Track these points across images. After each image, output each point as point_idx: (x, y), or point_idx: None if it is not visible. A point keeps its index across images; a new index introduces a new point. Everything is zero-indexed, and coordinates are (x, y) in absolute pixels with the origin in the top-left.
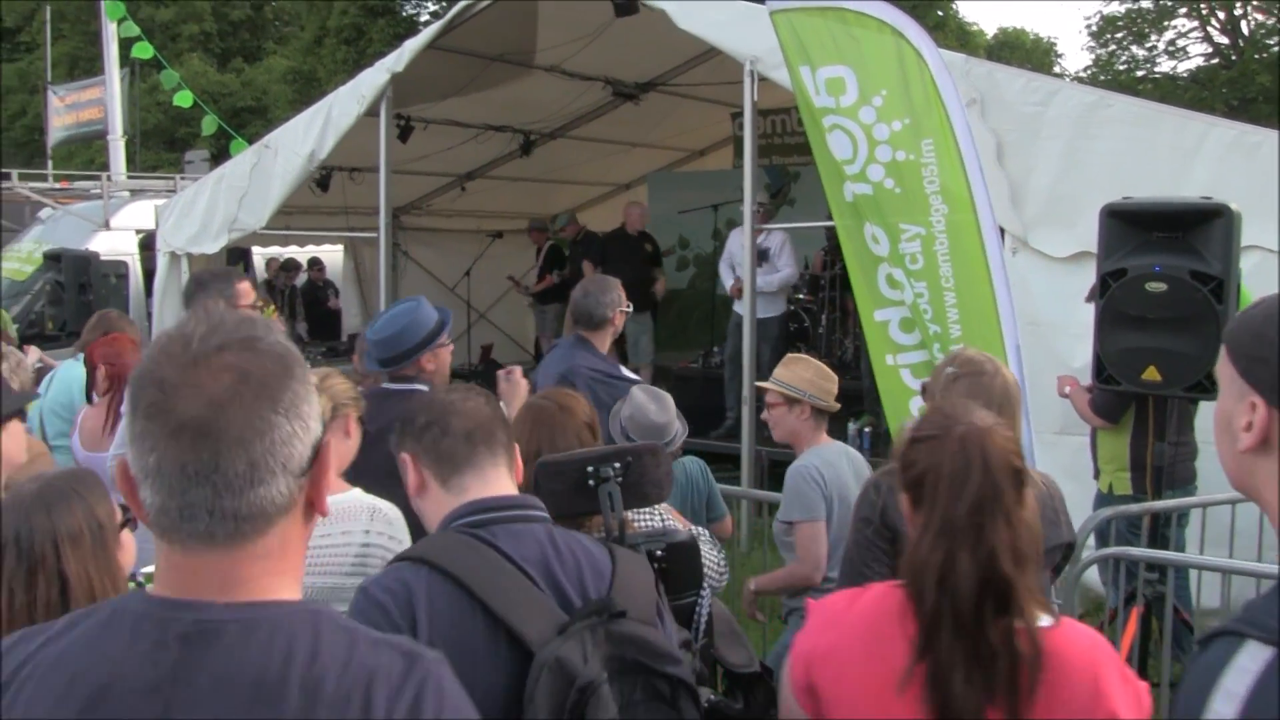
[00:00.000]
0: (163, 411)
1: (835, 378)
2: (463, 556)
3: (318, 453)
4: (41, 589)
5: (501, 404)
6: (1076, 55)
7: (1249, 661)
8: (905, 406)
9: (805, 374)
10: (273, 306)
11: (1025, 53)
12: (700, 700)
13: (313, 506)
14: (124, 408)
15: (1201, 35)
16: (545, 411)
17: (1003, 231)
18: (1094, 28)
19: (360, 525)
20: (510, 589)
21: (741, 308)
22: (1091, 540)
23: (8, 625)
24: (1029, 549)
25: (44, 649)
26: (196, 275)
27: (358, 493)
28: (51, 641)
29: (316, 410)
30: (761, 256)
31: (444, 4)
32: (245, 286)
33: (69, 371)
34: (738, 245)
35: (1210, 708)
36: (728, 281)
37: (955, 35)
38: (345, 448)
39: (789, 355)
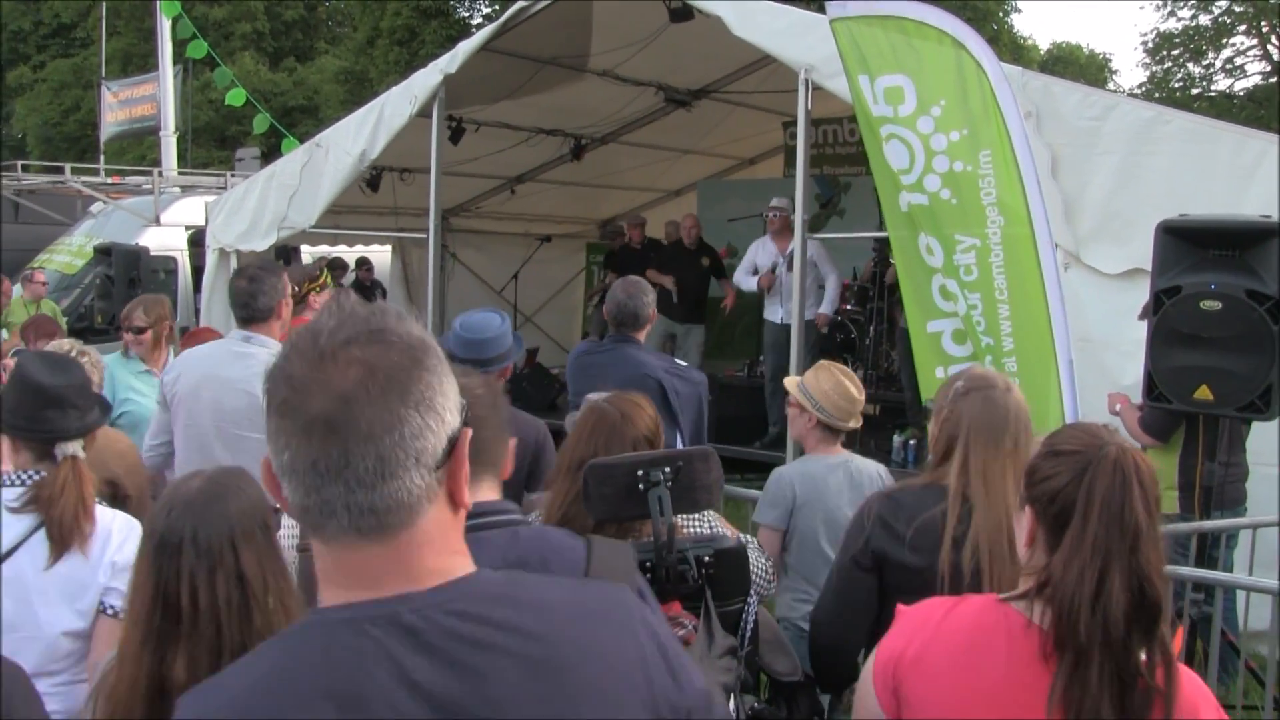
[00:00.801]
0: (293, 409)
1: (858, 399)
2: None
3: (454, 445)
4: (222, 588)
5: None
6: (1131, 72)
7: None
8: None
9: (824, 385)
10: (325, 275)
11: (1079, 68)
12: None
13: (454, 499)
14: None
15: (1261, 53)
16: (607, 418)
17: (1055, 247)
18: (1150, 44)
19: None
20: None
21: (772, 315)
22: None
23: (190, 625)
24: (1167, 578)
25: (242, 696)
26: (242, 269)
27: None
28: (246, 687)
29: (454, 402)
30: (789, 263)
31: (498, 7)
32: (286, 280)
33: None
34: (760, 254)
35: None
36: (747, 287)
37: (1009, 49)
38: None
39: (823, 361)
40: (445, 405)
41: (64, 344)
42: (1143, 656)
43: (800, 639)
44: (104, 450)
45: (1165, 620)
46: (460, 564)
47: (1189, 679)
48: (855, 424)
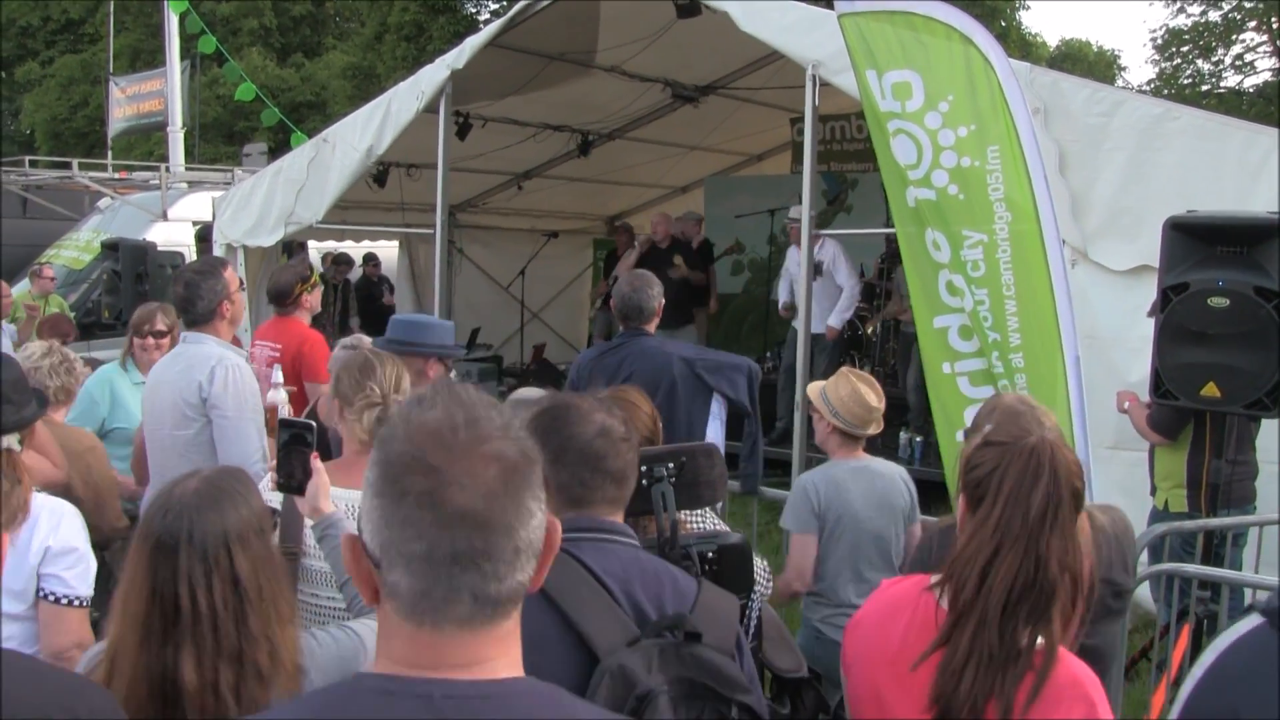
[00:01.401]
0: (436, 501)
1: (876, 406)
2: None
3: (548, 538)
4: (219, 591)
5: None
6: (1140, 69)
7: (1243, 626)
8: (960, 416)
9: (841, 392)
10: (316, 276)
11: (1088, 65)
12: None
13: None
14: (376, 488)
15: (1270, 49)
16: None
17: (1063, 243)
18: (1159, 41)
19: None
20: (585, 597)
21: (797, 320)
22: (1145, 556)
23: (190, 626)
24: (1074, 567)
25: None
26: (179, 274)
27: None
28: None
29: (542, 496)
30: (815, 270)
31: (505, 2)
32: (230, 274)
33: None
34: (792, 263)
35: (1200, 658)
36: (784, 298)
37: (1018, 45)
38: None
39: (845, 368)
40: (542, 498)
41: (33, 347)
42: (1026, 638)
43: (816, 640)
44: (64, 447)
45: (1059, 606)
46: (508, 666)
47: (1082, 672)
48: (874, 430)
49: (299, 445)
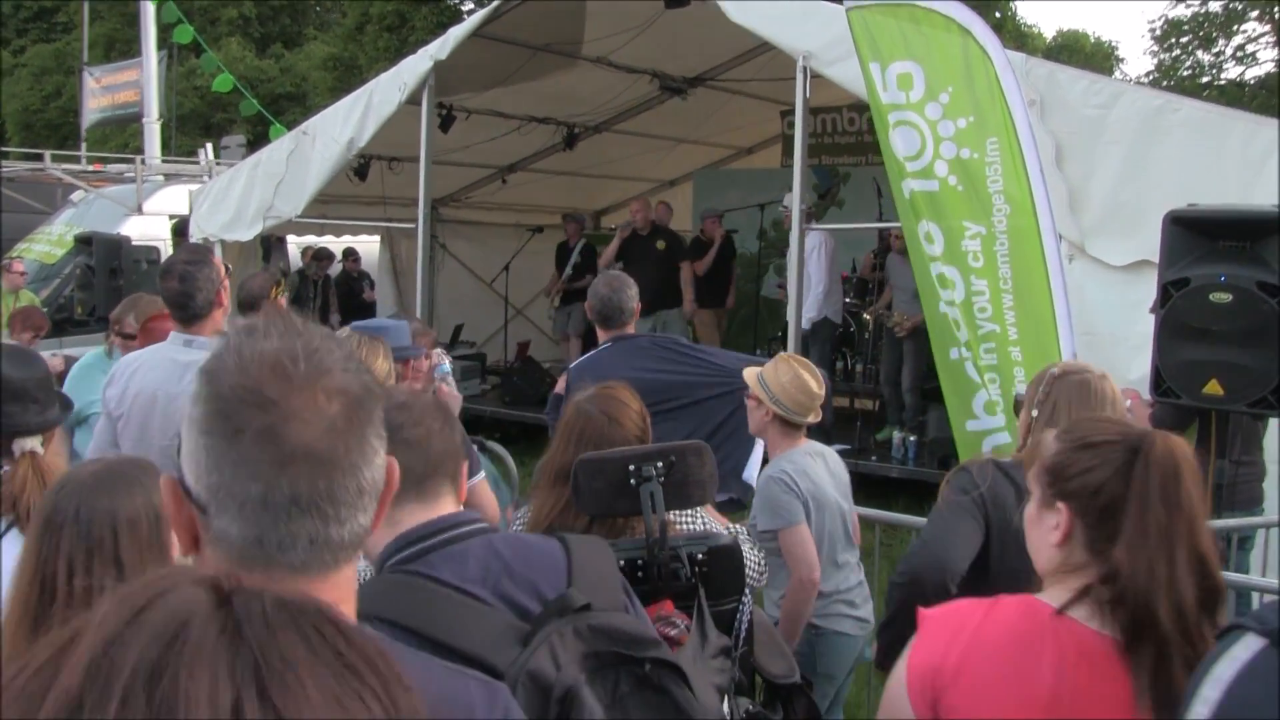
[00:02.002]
0: (276, 438)
1: (818, 394)
2: (400, 599)
3: (387, 479)
4: (97, 573)
5: None
6: (1138, 60)
7: (1242, 651)
8: (969, 404)
9: (782, 378)
10: (281, 283)
11: (1085, 56)
12: (688, 677)
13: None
14: (203, 426)
15: (1273, 40)
16: (592, 423)
17: (1059, 238)
18: (1158, 32)
19: None
20: (458, 616)
21: (789, 312)
22: None
23: (64, 607)
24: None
25: None
26: (168, 267)
27: None
28: None
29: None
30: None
31: None
32: (218, 260)
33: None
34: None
35: (1199, 693)
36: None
37: (1013, 37)
38: None
39: (781, 354)
40: (385, 437)
41: None
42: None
43: (809, 635)
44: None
45: (1224, 604)
46: (350, 611)
47: None
48: (814, 418)
49: None
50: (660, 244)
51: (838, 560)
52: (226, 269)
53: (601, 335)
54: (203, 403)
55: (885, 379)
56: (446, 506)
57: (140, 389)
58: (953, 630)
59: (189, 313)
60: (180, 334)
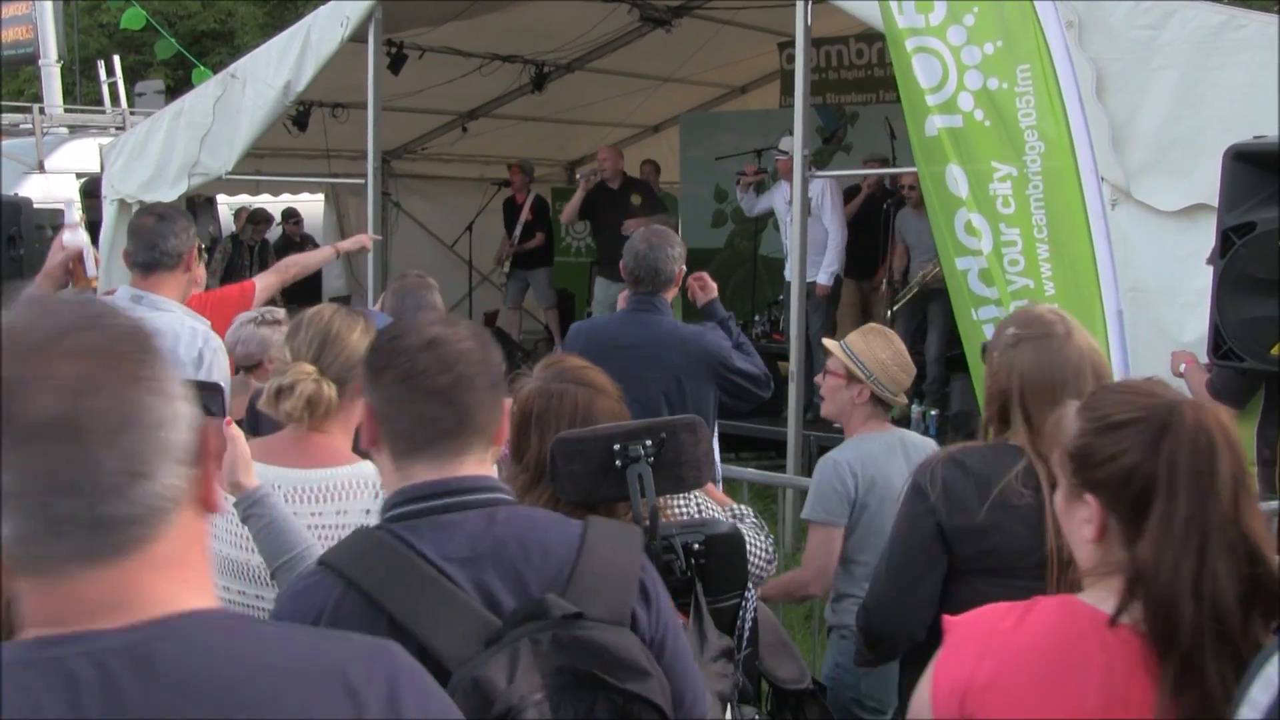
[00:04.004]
0: (9, 416)
1: (913, 369)
2: (372, 562)
3: (203, 438)
4: None
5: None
6: None
7: None
8: None
9: (881, 353)
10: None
11: None
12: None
13: (203, 504)
14: None
15: None
16: (574, 400)
17: (1101, 180)
18: None
19: (360, 504)
20: (421, 596)
21: (790, 271)
22: None
23: None
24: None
25: None
26: (148, 206)
27: (367, 466)
28: None
29: (185, 390)
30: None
31: None
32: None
33: None
34: (783, 201)
35: (1248, 695)
36: (749, 207)
37: None
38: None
39: (871, 324)
40: (180, 392)
41: None
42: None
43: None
44: None
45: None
46: (193, 597)
47: None
48: (904, 400)
49: (204, 412)
50: (635, 198)
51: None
52: (201, 247)
53: (624, 300)
54: None
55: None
56: (471, 467)
57: None
58: (982, 640)
59: (153, 256)
60: (130, 288)
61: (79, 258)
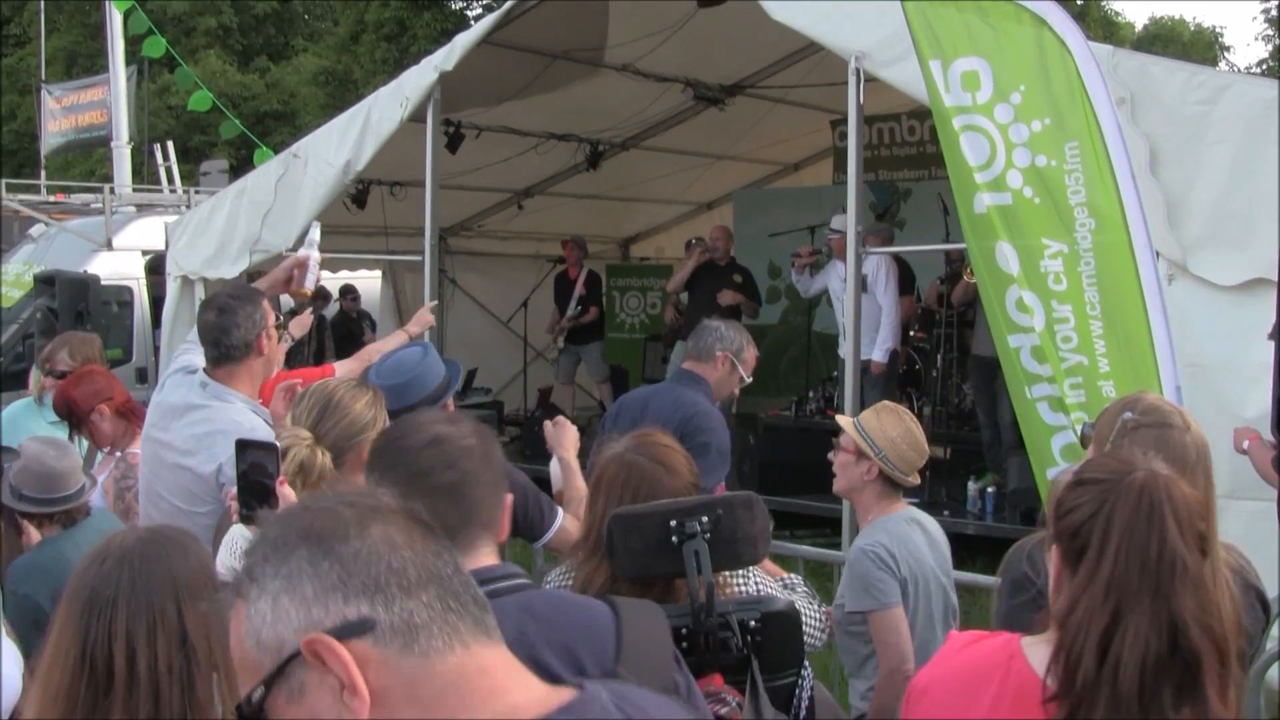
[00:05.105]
0: None
1: (925, 450)
2: None
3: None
4: (163, 649)
5: (554, 460)
6: (1248, 49)
7: None
8: (1048, 448)
9: (891, 430)
10: (284, 329)
11: (1183, 46)
12: None
13: None
14: None
15: None
16: (645, 475)
17: (1156, 255)
18: (1273, 13)
19: None
20: None
21: (844, 349)
22: (1277, 631)
23: (125, 691)
24: (1219, 629)
25: None
26: (211, 298)
27: None
28: None
29: None
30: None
31: None
32: (268, 306)
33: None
34: (838, 279)
35: None
36: (803, 288)
37: (1099, 26)
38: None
39: (884, 402)
40: None
41: None
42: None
43: None
44: None
45: (1214, 680)
46: None
47: None
48: (915, 480)
49: (257, 471)
50: (737, 277)
51: (939, 640)
52: (278, 319)
53: None
54: None
55: (985, 419)
56: (483, 559)
57: (150, 428)
58: (944, 653)
59: (219, 351)
60: (211, 379)
61: (304, 265)
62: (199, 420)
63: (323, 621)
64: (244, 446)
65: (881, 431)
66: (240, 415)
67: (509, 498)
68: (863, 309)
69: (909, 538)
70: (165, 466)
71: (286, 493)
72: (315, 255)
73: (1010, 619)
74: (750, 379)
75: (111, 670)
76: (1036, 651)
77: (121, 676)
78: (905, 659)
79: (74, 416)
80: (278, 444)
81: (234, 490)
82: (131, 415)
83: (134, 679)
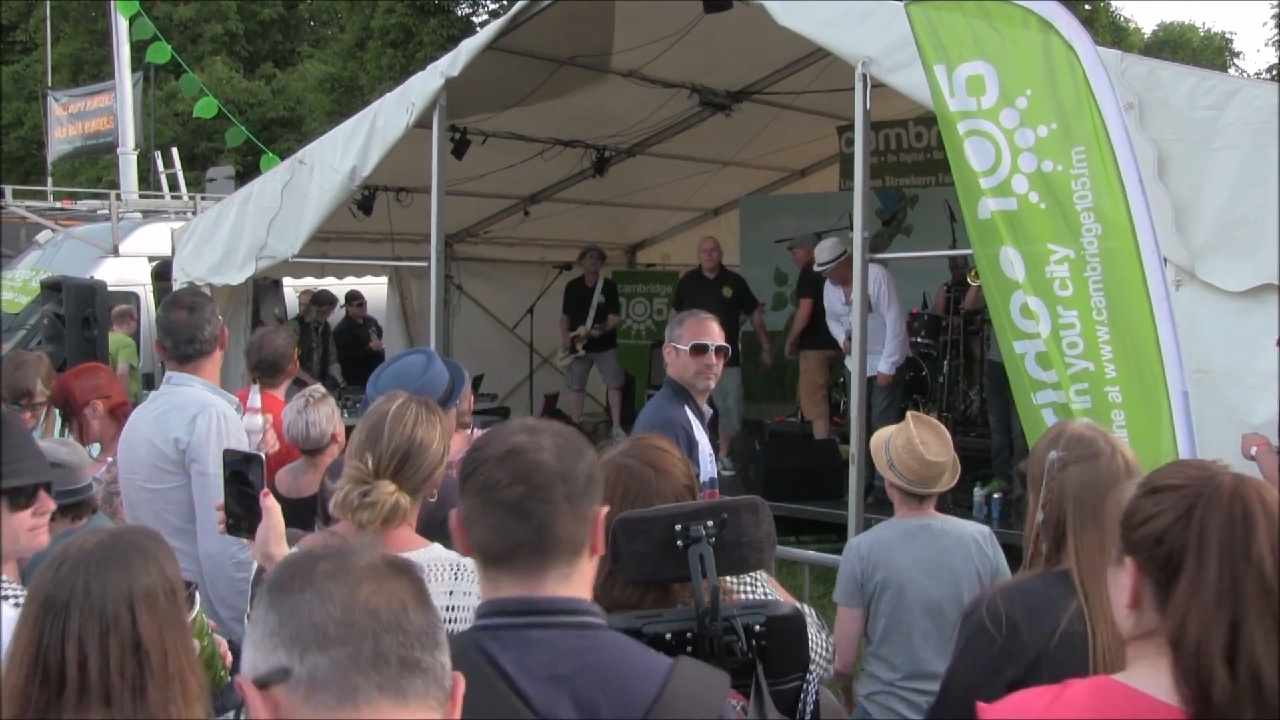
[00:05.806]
0: None
1: (936, 460)
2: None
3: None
4: (115, 655)
5: None
6: (1258, 54)
7: None
8: None
9: (897, 439)
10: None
11: (1192, 52)
12: None
13: None
14: None
15: None
16: (635, 478)
17: (1164, 261)
18: None
19: (442, 586)
20: (479, 709)
21: (851, 362)
22: None
23: (76, 697)
24: None
25: None
26: (176, 297)
27: (439, 549)
28: None
29: None
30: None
31: (504, 2)
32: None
33: None
34: (831, 298)
35: None
36: (838, 337)
37: (1108, 31)
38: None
39: (911, 413)
40: None
41: None
42: None
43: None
44: None
45: None
46: None
47: None
48: (943, 486)
49: (240, 481)
50: (727, 290)
51: (915, 649)
52: (282, 320)
53: None
54: None
55: (996, 425)
56: (550, 586)
57: (127, 427)
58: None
59: (193, 348)
60: (173, 372)
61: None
62: (159, 405)
63: (258, 665)
64: (228, 456)
65: (893, 443)
66: (197, 395)
67: (601, 511)
68: (870, 323)
69: (891, 545)
70: (138, 449)
71: (270, 504)
72: (257, 421)
73: (970, 681)
74: (690, 345)
75: (64, 674)
76: (1148, 681)
77: (73, 681)
78: (838, 656)
79: (68, 407)
80: (262, 456)
81: (220, 501)
82: (123, 418)
83: (85, 683)
